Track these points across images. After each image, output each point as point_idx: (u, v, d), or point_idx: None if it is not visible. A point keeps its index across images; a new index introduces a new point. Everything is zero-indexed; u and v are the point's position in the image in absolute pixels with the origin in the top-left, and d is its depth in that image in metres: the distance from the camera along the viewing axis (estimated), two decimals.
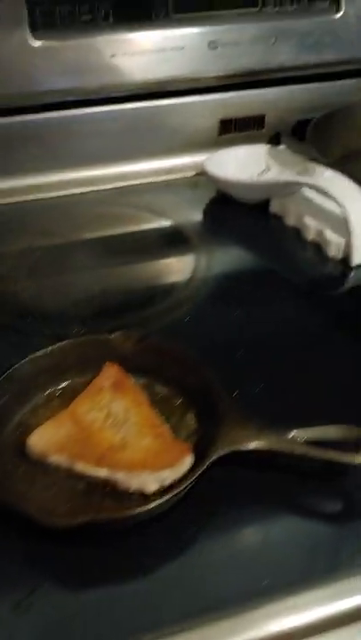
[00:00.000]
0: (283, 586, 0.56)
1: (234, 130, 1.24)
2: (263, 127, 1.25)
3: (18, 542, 0.60)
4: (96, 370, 0.74)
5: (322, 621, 0.55)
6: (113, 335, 0.76)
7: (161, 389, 0.73)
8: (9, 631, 0.54)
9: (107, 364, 0.73)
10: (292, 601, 0.55)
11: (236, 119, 1.23)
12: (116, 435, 0.65)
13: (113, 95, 1.16)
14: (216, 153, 1.15)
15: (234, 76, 1.20)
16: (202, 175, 1.16)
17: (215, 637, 0.53)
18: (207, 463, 0.61)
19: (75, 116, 1.16)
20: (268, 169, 1.16)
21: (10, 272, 1.00)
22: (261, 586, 0.56)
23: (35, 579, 0.57)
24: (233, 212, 1.12)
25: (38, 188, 1.16)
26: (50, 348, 0.74)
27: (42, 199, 1.15)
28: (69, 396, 0.72)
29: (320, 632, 0.55)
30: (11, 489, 0.62)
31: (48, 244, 1.07)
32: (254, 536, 0.61)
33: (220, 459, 0.62)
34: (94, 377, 0.73)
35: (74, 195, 1.17)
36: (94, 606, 0.55)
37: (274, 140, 1.25)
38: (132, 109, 1.19)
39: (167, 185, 1.20)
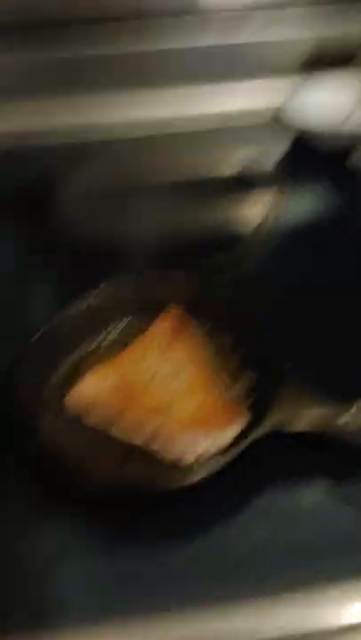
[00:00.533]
0: (324, 577, 0.51)
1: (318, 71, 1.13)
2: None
3: (44, 499, 0.57)
4: (160, 312, 0.66)
5: None
6: (177, 275, 0.69)
7: (223, 341, 0.66)
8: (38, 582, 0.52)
9: (170, 305, 0.66)
10: (334, 593, 0.50)
11: (322, 57, 1.12)
12: (163, 394, 0.60)
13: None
14: (297, 91, 1.06)
15: None
16: (280, 116, 1.07)
17: (246, 625, 0.49)
18: (256, 435, 0.55)
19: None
20: (352, 115, 1.05)
21: (73, 210, 0.96)
22: (301, 574, 0.51)
23: (61, 538, 0.54)
24: (311, 159, 1.03)
25: (105, 126, 1.10)
26: (106, 285, 0.69)
27: (107, 138, 1.10)
28: (127, 340, 0.66)
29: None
30: (46, 447, 0.58)
31: (115, 182, 1.02)
32: (296, 521, 0.55)
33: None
34: (153, 320, 0.66)
35: (144, 137, 1.10)
36: (120, 575, 0.52)
37: None
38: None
39: (243, 129, 1.12)
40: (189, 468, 0.56)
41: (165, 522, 0.55)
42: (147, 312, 0.67)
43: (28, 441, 0.57)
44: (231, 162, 1.05)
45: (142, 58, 1.10)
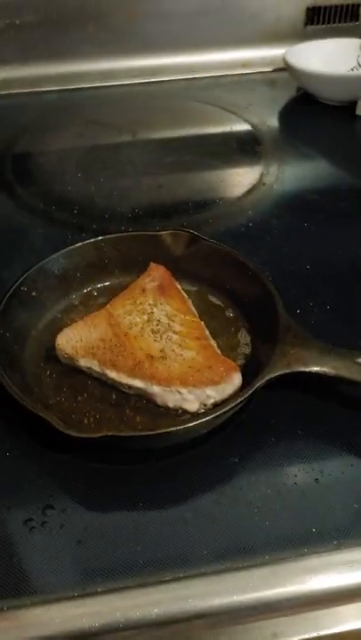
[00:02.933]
0: (332, 536, 0.47)
1: (323, 21, 1.07)
2: (358, 19, 1.08)
3: (35, 453, 0.53)
4: (142, 270, 0.65)
5: None
6: (163, 232, 0.66)
7: (215, 299, 0.64)
8: (19, 547, 0.47)
9: (152, 264, 0.64)
10: (341, 556, 0.46)
11: (325, 7, 1.06)
12: (156, 343, 0.57)
13: None
14: (300, 45, 1.01)
15: None
16: (281, 71, 1.02)
17: (247, 586, 0.45)
18: (258, 384, 0.52)
19: None
20: (359, 67, 1.01)
21: (59, 162, 0.91)
22: (307, 534, 0.47)
23: (52, 495, 0.50)
24: (313, 114, 0.98)
25: (95, 75, 1.05)
26: (90, 240, 0.66)
27: (98, 87, 1.04)
28: (110, 296, 0.63)
29: None
30: (35, 393, 0.55)
31: (102, 136, 0.97)
32: (302, 475, 0.51)
33: (274, 383, 0.53)
34: (135, 279, 0.64)
35: (135, 85, 1.05)
36: (114, 532, 0.48)
37: None
38: None
39: (241, 80, 1.07)
40: (187, 418, 0.52)
41: (161, 481, 0.51)
42: (128, 270, 0.66)
43: (13, 391, 0.52)
44: (227, 117, 1.00)
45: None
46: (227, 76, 1.07)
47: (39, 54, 1.06)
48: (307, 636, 0.49)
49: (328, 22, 1.08)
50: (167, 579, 0.45)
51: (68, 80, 1.06)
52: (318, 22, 1.08)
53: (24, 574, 0.46)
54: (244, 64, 1.08)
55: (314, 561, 0.46)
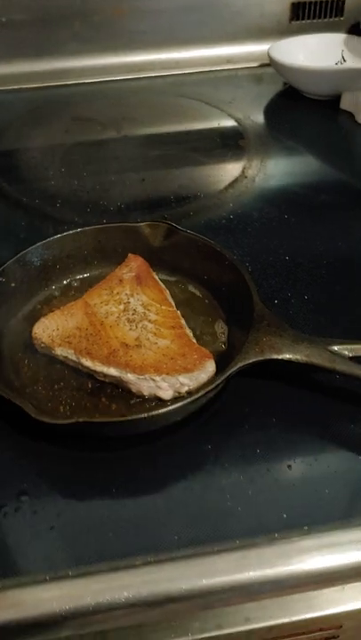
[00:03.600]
0: (302, 522, 0.47)
1: (307, 16, 1.08)
2: (343, 15, 1.08)
3: (10, 440, 0.53)
4: (121, 261, 0.65)
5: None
6: (142, 224, 0.66)
7: (193, 289, 0.65)
8: None
9: (130, 255, 0.64)
10: (311, 541, 0.46)
11: (310, 2, 1.07)
12: (131, 332, 0.57)
13: None
14: (285, 40, 1.01)
15: None
16: (266, 67, 1.03)
17: (217, 570, 0.45)
18: (231, 371, 0.52)
19: None
20: (343, 61, 1.01)
21: (43, 158, 0.92)
22: (278, 519, 0.47)
23: (26, 481, 0.50)
24: (298, 109, 0.99)
25: (80, 71, 1.05)
26: (69, 232, 0.66)
27: (83, 84, 1.05)
28: (89, 287, 0.64)
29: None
30: (12, 381, 0.55)
31: (87, 132, 0.97)
32: (274, 462, 0.51)
33: (248, 372, 0.53)
34: (113, 269, 0.64)
35: (120, 81, 1.05)
36: (87, 518, 0.48)
37: (353, 30, 1.08)
38: None
39: (227, 76, 1.07)
40: (162, 405, 0.53)
41: (133, 465, 0.51)
42: (107, 261, 0.66)
43: None
44: (212, 112, 1.00)
45: None
46: (212, 71, 1.08)
47: (26, 51, 1.07)
48: (279, 622, 0.49)
49: (313, 18, 1.08)
50: (138, 563, 0.45)
51: (54, 77, 1.06)
52: (303, 18, 1.08)
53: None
54: (230, 60, 1.08)
55: (285, 546, 0.46)
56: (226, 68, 1.08)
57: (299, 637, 0.51)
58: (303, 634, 0.51)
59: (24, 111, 1.02)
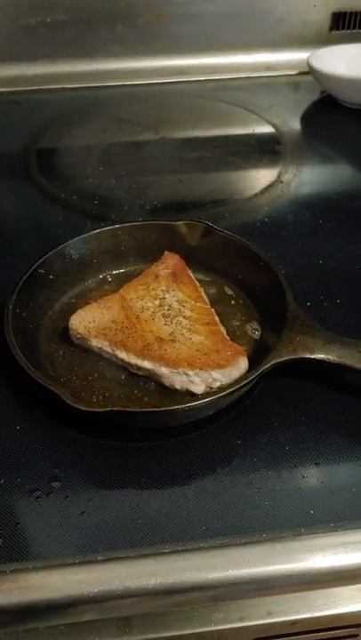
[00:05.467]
0: (329, 518, 0.48)
1: (348, 26, 1.09)
2: None
3: (44, 428, 0.55)
4: (157, 258, 0.66)
5: None
6: (179, 223, 0.67)
7: (227, 289, 0.66)
8: (25, 514, 0.49)
9: (166, 252, 0.66)
10: (337, 537, 0.47)
11: (351, 13, 1.07)
12: (166, 327, 0.58)
13: None
14: (324, 49, 1.02)
15: None
16: (305, 75, 1.04)
17: (243, 562, 0.46)
18: (263, 368, 0.53)
19: None
20: None
21: (82, 156, 0.94)
22: (305, 515, 0.48)
23: (58, 467, 0.52)
24: (335, 117, 1.00)
25: (121, 73, 1.07)
26: (108, 227, 0.67)
27: (123, 86, 1.07)
28: (124, 282, 0.65)
29: None
30: (48, 371, 0.57)
31: (125, 133, 0.99)
32: (302, 459, 0.52)
33: (279, 371, 0.54)
34: (149, 266, 0.66)
35: (160, 84, 1.07)
36: (117, 505, 0.49)
37: None
38: None
39: (266, 83, 1.08)
40: (194, 399, 0.53)
41: (166, 459, 0.52)
42: (142, 258, 0.68)
43: (26, 366, 0.54)
44: (250, 118, 1.01)
45: None
46: (251, 77, 1.09)
47: (69, 52, 1.09)
48: (301, 617, 0.50)
49: (353, 27, 1.09)
50: (166, 551, 0.46)
51: (95, 78, 1.08)
52: (343, 27, 1.09)
53: (28, 540, 0.48)
54: (269, 67, 1.10)
55: (310, 541, 0.47)
56: (265, 74, 1.09)
57: (319, 634, 0.51)
58: (324, 630, 0.51)
59: (65, 110, 1.04)
